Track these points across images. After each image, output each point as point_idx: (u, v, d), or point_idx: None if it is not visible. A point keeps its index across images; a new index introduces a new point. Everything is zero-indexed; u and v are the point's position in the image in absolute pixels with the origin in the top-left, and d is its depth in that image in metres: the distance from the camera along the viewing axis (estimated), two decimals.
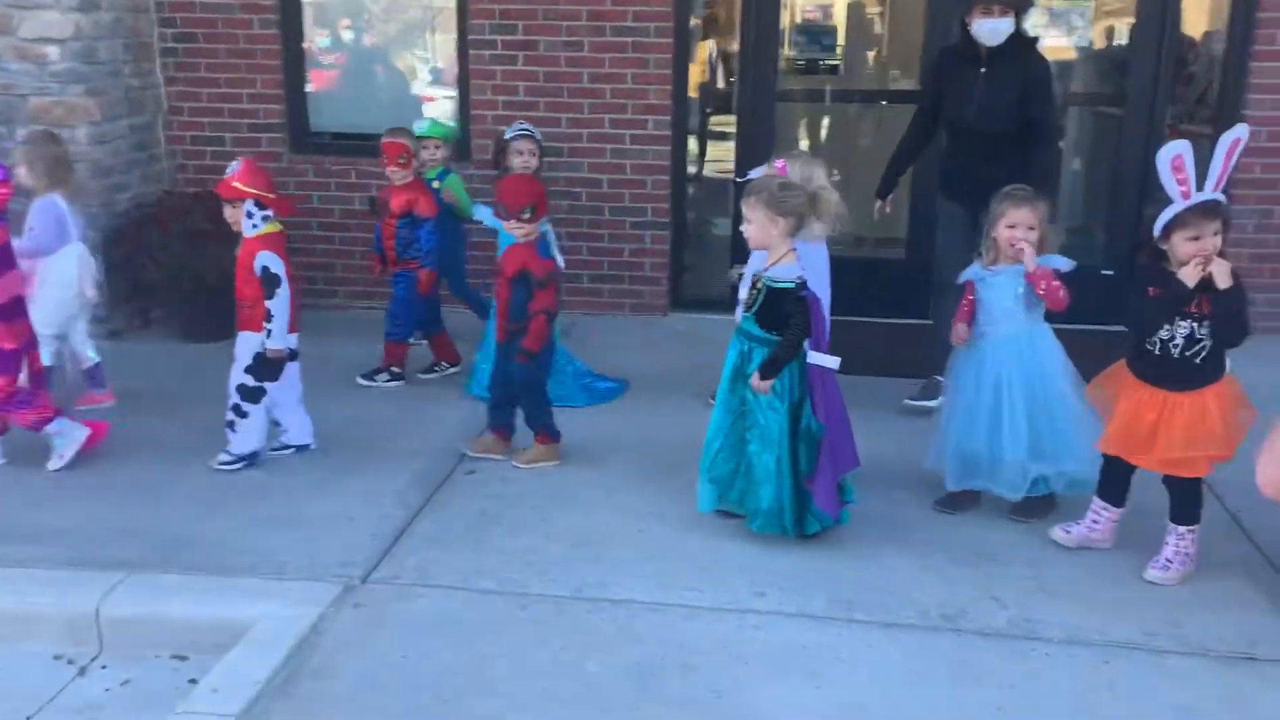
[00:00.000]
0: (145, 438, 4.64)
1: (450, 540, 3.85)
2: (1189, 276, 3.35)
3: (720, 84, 9.14)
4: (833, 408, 3.75)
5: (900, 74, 7.95)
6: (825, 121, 8.28)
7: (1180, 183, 3.33)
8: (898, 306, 6.25)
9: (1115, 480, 3.73)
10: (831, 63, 8.44)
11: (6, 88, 5.76)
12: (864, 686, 3.05)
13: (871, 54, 8.47)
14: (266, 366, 4.31)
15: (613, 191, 6.55)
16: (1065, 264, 3.89)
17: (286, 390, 4.46)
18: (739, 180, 4.80)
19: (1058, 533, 3.83)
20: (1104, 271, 6.13)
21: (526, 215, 4.28)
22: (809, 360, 3.73)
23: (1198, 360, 3.45)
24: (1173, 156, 3.33)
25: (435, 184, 5.51)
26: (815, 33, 8.21)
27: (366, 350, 5.49)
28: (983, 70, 4.64)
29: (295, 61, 6.55)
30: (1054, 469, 3.88)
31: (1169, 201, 3.40)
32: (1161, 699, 3.01)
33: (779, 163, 4.14)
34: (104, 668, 3.38)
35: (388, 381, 5.37)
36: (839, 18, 8.87)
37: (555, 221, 6.46)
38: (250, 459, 4.41)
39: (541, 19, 6.31)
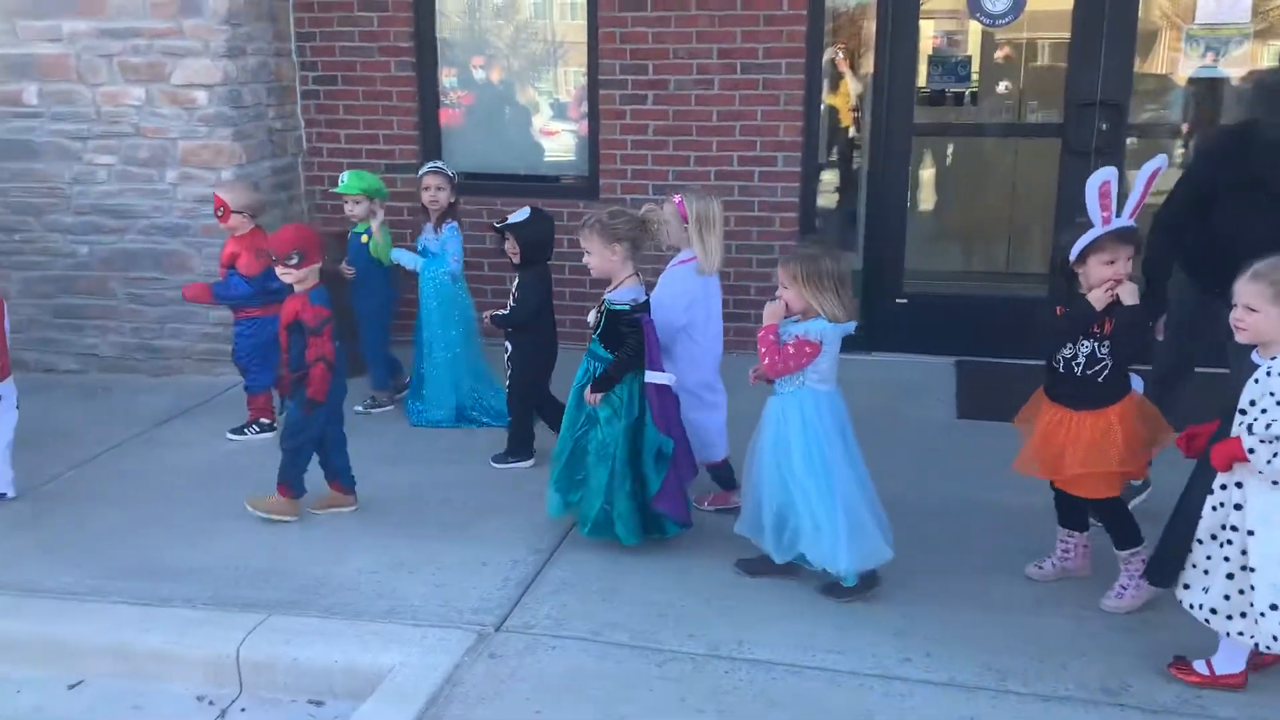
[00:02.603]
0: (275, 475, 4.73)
1: (582, 589, 3.80)
2: (1098, 300, 3.41)
3: (853, 118, 8.99)
4: (672, 422, 3.97)
5: (1039, 105, 7.71)
6: (957, 154, 8.06)
7: (1104, 208, 3.37)
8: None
9: (1067, 506, 3.70)
10: (966, 92, 8.22)
11: (158, 131, 5.98)
12: None
13: (1008, 84, 8.23)
14: None
15: (740, 229, 6.46)
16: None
17: None
18: (497, 226, 4.80)
19: (1031, 570, 3.79)
20: None
21: (293, 261, 4.17)
22: (646, 378, 3.92)
23: (1099, 380, 3.47)
24: (1100, 183, 3.36)
25: (363, 238, 5.40)
26: (949, 62, 7.99)
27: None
28: None
29: (430, 103, 6.67)
30: None
31: (1082, 227, 3.43)
32: None
33: (676, 199, 4.28)
34: (243, 710, 3.41)
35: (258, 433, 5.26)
36: (973, 46, 8.64)
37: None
38: None
39: (672, 58, 6.29)
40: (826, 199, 8.81)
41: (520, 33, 6.86)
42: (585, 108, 6.60)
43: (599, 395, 3.94)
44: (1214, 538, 3.08)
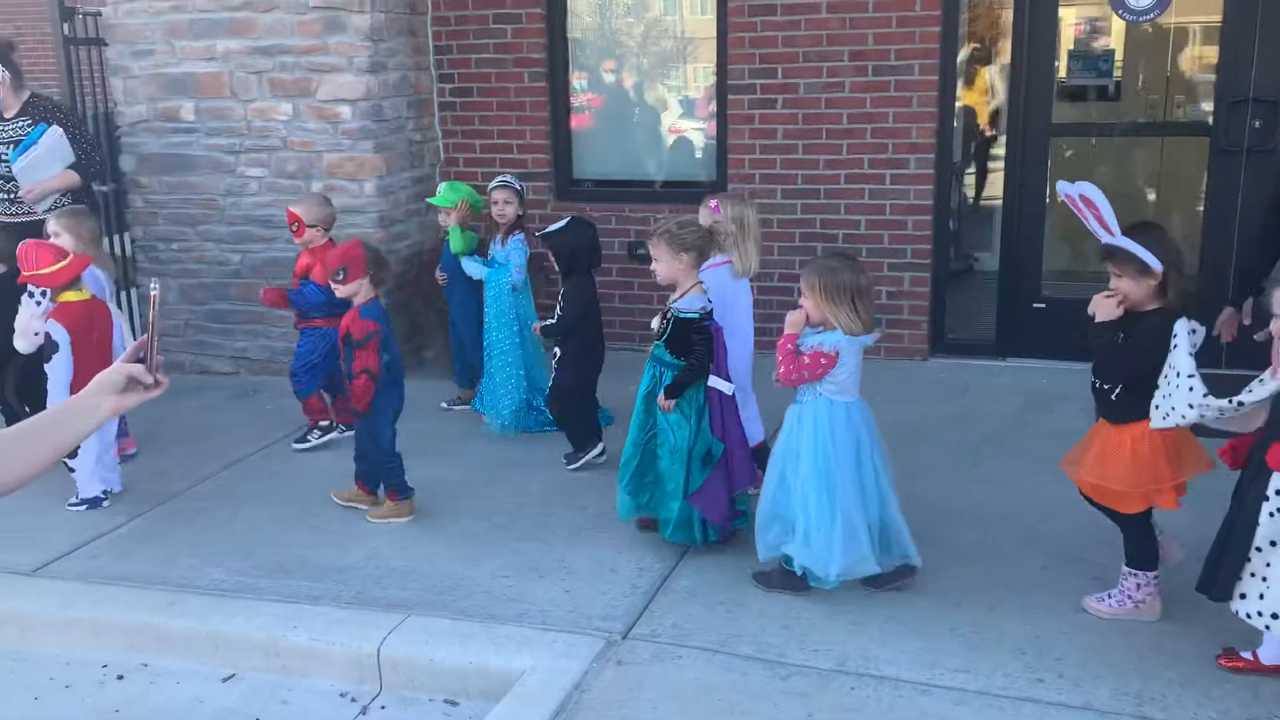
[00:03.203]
0: (422, 474, 4.90)
1: (708, 598, 3.84)
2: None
3: (989, 117, 8.79)
4: (730, 428, 4.04)
5: (1186, 99, 7.39)
6: (1098, 152, 7.80)
7: (1085, 221, 3.48)
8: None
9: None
10: (1108, 86, 7.93)
11: (305, 144, 6.26)
12: None
13: (1154, 78, 7.91)
14: None
15: (871, 233, 6.41)
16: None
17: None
18: (537, 235, 5.07)
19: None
20: None
21: (339, 277, 4.38)
22: (709, 384, 4.02)
23: (1112, 396, 3.47)
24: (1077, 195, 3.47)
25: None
26: (1090, 56, 7.72)
27: (618, 387, 5.53)
28: None
29: (560, 112, 6.79)
30: None
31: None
32: None
33: (713, 203, 4.47)
34: (383, 708, 3.56)
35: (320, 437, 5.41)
36: (1116, 38, 8.33)
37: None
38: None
39: (802, 61, 6.27)
40: (964, 201, 8.64)
41: (650, 31, 6.91)
42: (713, 110, 6.62)
43: (672, 401, 4.03)
44: (1274, 544, 3.04)
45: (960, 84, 7.82)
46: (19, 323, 4.90)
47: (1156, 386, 3.28)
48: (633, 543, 4.24)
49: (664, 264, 4.10)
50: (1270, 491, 3.05)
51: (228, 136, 6.35)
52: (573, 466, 5.01)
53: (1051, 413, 5.54)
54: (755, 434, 4.56)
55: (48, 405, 4.56)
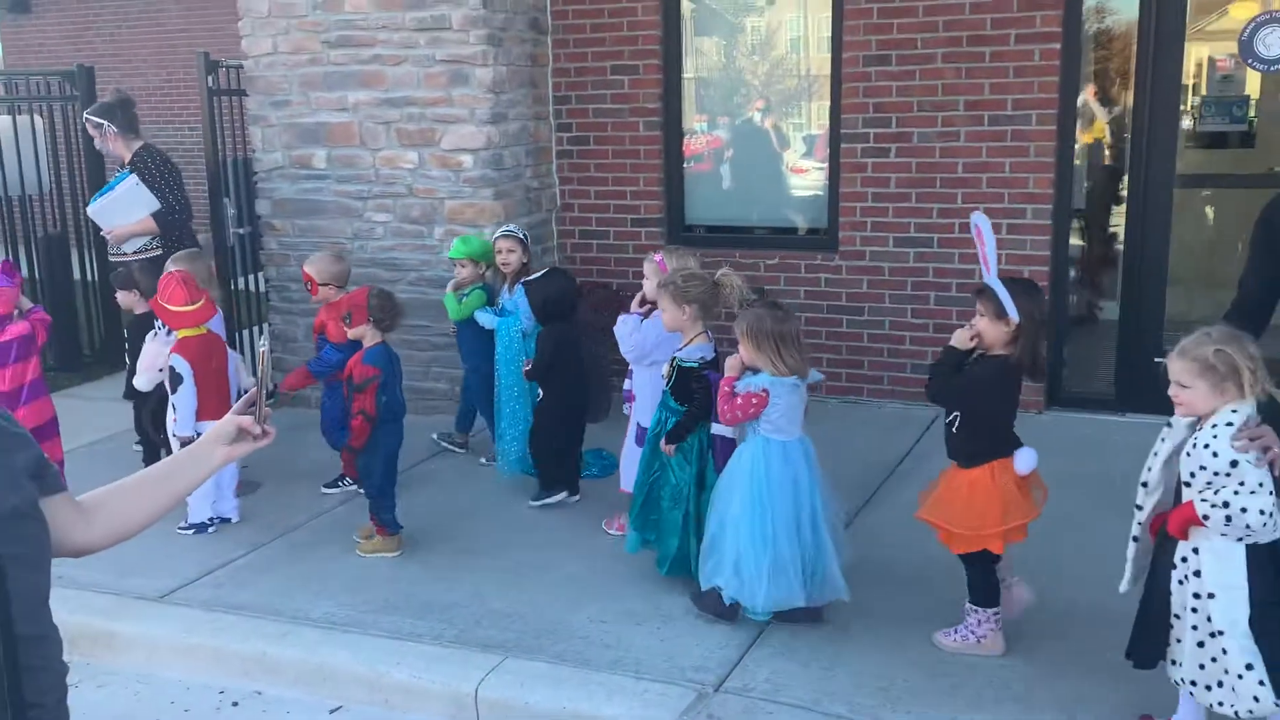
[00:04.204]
0: (527, 516, 5.01)
1: (803, 655, 3.83)
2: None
3: (1111, 164, 8.58)
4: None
5: None
6: (1227, 202, 7.54)
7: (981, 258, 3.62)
8: None
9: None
10: (1241, 133, 7.67)
11: (428, 191, 6.50)
12: None
13: None
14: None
15: None
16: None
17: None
18: (520, 284, 5.32)
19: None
20: None
21: (346, 321, 4.74)
22: (712, 430, 4.19)
23: (954, 429, 3.67)
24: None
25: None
26: (1223, 103, 7.49)
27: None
28: None
29: (674, 160, 6.91)
30: None
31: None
32: None
33: (657, 257, 4.67)
34: None
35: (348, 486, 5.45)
36: (1252, 84, 8.06)
37: (923, 313, 6.36)
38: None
39: (916, 111, 6.25)
40: (1084, 251, 8.44)
41: (773, 72, 6.97)
42: (827, 160, 6.64)
43: (672, 446, 4.23)
44: (1187, 608, 3.06)
45: (1084, 129, 7.68)
46: (142, 361, 5.22)
47: (992, 428, 3.60)
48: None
49: (669, 314, 4.29)
50: (1177, 559, 3.07)
51: (356, 183, 6.64)
52: (532, 504, 5.21)
53: None
54: None
55: (178, 432, 4.87)
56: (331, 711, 3.87)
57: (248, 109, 6.88)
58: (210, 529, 5.05)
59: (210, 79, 6.72)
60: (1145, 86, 6.00)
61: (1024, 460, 3.63)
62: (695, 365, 4.24)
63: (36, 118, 7.95)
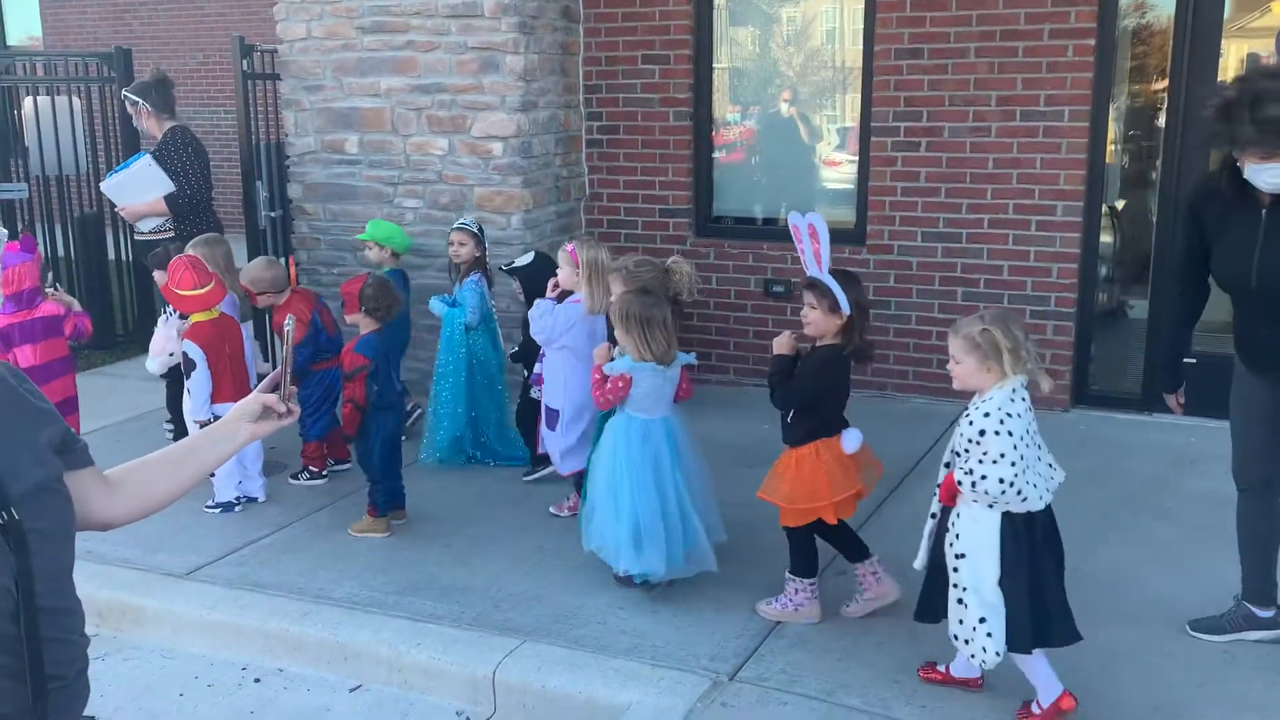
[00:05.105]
0: (545, 502, 5.05)
1: (819, 644, 3.84)
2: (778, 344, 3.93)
3: (1143, 164, 8.49)
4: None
5: None
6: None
7: (801, 253, 3.82)
8: None
9: (840, 545, 4.06)
10: None
11: (458, 179, 6.54)
12: None
13: None
14: None
15: (1014, 279, 6.30)
16: None
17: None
18: (503, 269, 5.44)
19: (843, 610, 4.05)
20: None
21: (344, 308, 4.87)
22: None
23: (788, 420, 3.91)
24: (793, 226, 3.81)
25: None
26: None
27: (746, 426, 5.62)
28: (1264, 220, 3.50)
29: (704, 150, 6.91)
30: None
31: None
32: None
33: (569, 248, 4.75)
34: None
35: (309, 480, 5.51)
36: None
37: (951, 309, 6.34)
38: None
39: (948, 105, 6.22)
40: (1113, 248, 8.36)
41: (807, 64, 6.94)
42: (856, 151, 6.62)
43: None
44: (956, 570, 3.31)
45: (1118, 125, 7.60)
46: (153, 345, 5.28)
47: (819, 411, 3.84)
48: (748, 584, 4.27)
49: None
50: (950, 524, 3.33)
51: (387, 169, 6.69)
52: (525, 479, 5.42)
53: (1195, 473, 5.32)
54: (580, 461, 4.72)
55: (192, 416, 4.95)
56: (351, 690, 3.93)
57: (281, 93, 6.94)
58: (236, 508, 5.12)
59: (245, 63, 6.78)
60: (1181, 83, 5.94)
61: (850, 440, 3.86)
62: None
63: (75, 98, 8.05)
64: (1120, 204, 8.31)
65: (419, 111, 6.54)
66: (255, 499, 5.21)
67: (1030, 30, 6.00)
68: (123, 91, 6.60)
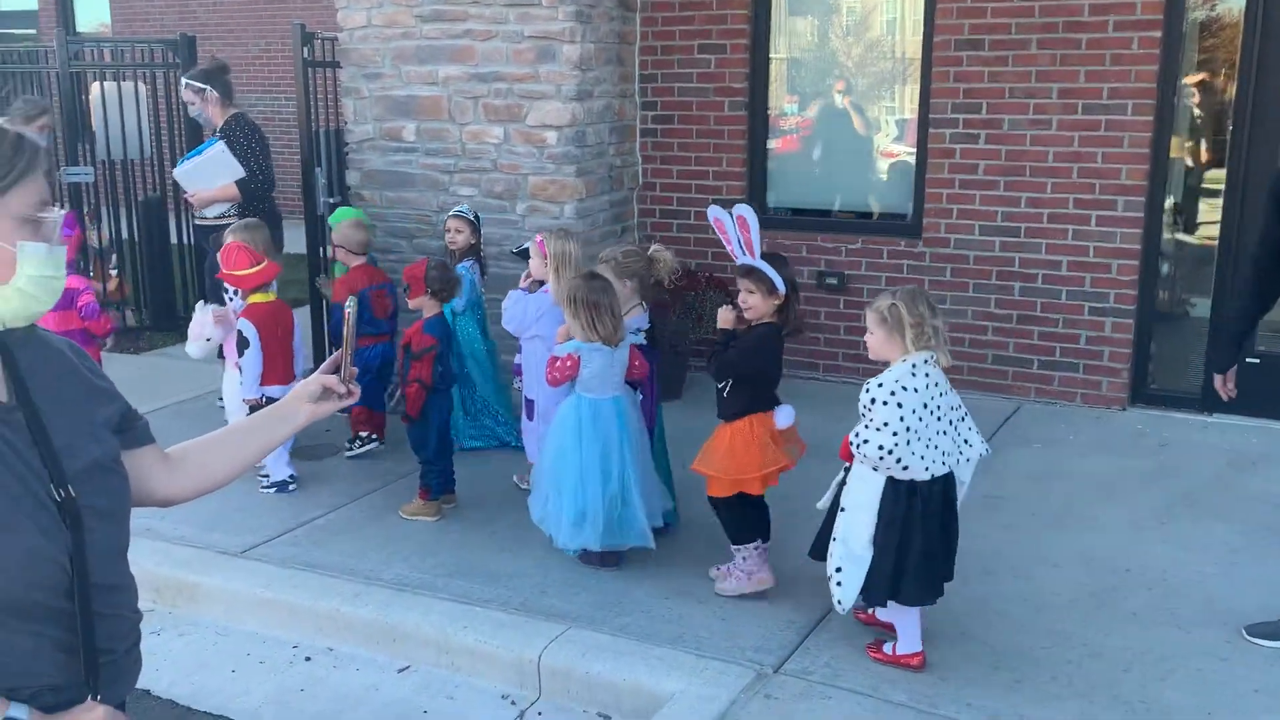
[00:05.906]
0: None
1: (864, 639, 3.82)
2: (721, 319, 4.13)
3: (1209, 160, 8.31)
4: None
5: None
6: None
7: (728, 242, 4.02)
8: None
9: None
10: None
11: (512, 167, 6.57)
12: None
13: None
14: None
15: (1072, 274, 6.20)
16: None
17: None
18: (514, 252, 5.42)
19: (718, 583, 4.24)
20: None
21: (405, 292, 4.93)
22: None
23: (724, 394, 4.07)
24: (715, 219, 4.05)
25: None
26: None
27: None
28: None
29: (758, 140, 6.88)
30: None
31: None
32: None
33: (539, 239, 4.88)
34: (539, 714, 3.73)
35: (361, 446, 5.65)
36: None
37: (1007, 304, 6.27)
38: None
39: (1008, 97, 6.14)
40: (1176, 245, 8.20)
41: (866, 54, 6.88)
42: (914, 143, 6.56)
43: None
44: (840, 510, 3.62)
45: (1183, 119, 7.45)
46: (191, 330, 5.37)
47: (755, 386, 4.02)
48: (795, 576, 4.26)
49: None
50: (849, 480, 3.63)
51: (444, 157, 6.74)
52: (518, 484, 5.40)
53: (1255, 474, 5.22)
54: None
55: (241, 394, 5.04)
56: (400, 671, 3.98)
57: (341, 81, 7.01)
58: (290, 487, 5.21)
59: (305, 50, 6.85)
60: (1250, 77, 5.81)
61: (783, 416, 4.03)
62: (634, 334, 4.48)
63: (140, 84, 8.21)
64: (1183, 200, 8.15)
65: (475, 100, 6.58)
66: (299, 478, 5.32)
67: (1094, 22, 5.89)
68: (185, 79, 6.71)
